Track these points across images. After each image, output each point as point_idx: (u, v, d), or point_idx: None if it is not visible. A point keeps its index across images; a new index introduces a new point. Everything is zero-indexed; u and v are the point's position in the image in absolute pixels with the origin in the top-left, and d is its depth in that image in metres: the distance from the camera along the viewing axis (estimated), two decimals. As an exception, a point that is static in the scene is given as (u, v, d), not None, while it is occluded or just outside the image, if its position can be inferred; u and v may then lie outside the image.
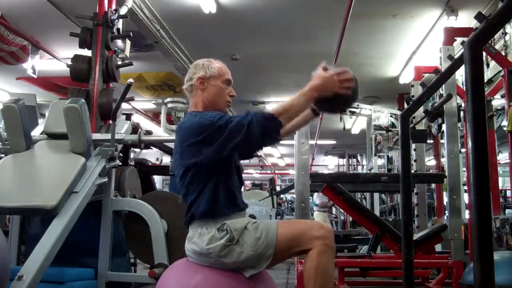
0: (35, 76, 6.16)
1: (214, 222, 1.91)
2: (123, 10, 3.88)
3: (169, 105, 7.75)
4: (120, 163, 3.11)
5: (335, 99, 1.97)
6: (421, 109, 4.24)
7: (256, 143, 1.89)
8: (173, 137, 4.60)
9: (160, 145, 4.01)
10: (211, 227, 1.90)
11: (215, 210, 1.93)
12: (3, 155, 2.76)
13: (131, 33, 3.84)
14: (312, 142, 10.64)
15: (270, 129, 1.87)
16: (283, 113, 1.89)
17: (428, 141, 5.67)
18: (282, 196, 13.80)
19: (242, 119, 1.86)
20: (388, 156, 8.64)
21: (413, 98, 4.12)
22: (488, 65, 4.78)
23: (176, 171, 2.03)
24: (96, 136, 2.97)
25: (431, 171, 6.93)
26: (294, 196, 4.99)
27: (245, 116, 1.87)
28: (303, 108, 1.99)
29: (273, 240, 1.87)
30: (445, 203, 5.03)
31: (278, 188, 13.51)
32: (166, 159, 9.46)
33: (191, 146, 1.93)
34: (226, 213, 1.94)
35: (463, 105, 4.35)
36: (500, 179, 6.47)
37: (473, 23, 4.79)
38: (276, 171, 19.77)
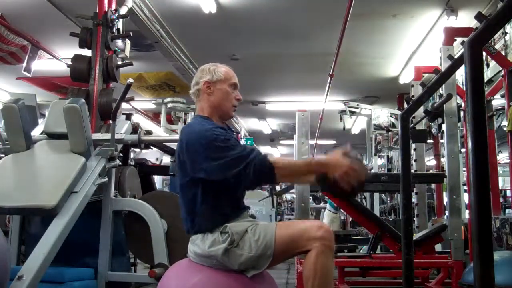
0: (29, 75, 6.15)
1: (217, 226, 1.93)
2: (123, 10, 3.88)
3: (169, 105, 7.76)
4: (120, 163, 3.10)
5: (334, 185, 1.88)
6: (421, 109, 4.24)
7: (249, 183, 1.90)
8: (173, 137, 4.60)
9: (160, 145, 4.00)
10: (214, 231, 1.92)
11: (220, 217, 1.94)
12: (3, 155, 2.76)
13: (131, 33, 3.84)
14: (312, 142, 10.64)
15: (265, 178, 1.90)
16: (283, 170, 1.87)
17: (428, 141, 5.67)
18: (282, 196, 13.79)
19: (245, 154, 1.85)
20: (388, 156, 8.64)
21: (413, 98, 4.12)
22: (488, 65, 4.78)
23: (179, 180, 2.04)
24: (96, 136, 2.97)
25: (431, 171, 6.93)
26: (294, 196, 5.00)
27: (249, 152, 1.86)
28: (303, 175, 1.95)
29: (271, 241, 1.88)
30: (445, 203, 5.02)
31: (278, 188, 13.51)
32: (166, 159, 9.46)
33: (193, 158, 1.93)
34: (230, 216, 1.96)
35: (463, 105, 4.34)
36: (500, 179, 6.47)
37: (473, 23, 4.79)
38: (276, 171, 19.73)
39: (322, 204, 12.52)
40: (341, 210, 7.77)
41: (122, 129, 3.06)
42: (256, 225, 1.95)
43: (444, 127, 3.80)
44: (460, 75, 4.86)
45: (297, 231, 1.89)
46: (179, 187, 2.03)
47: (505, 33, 4.67)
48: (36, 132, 3.02)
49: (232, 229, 1.90)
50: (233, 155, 1.85)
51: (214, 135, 1.90)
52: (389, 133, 7.77)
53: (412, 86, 5.07)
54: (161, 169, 4.86)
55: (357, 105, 8.12)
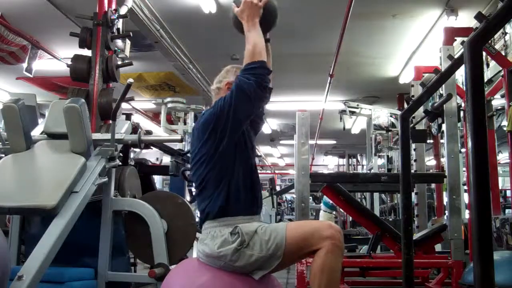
0: (30, 76, 6.16)
1: (227, 225, 1.93)
2: (123, 10, 3.87)
3: (169, 105, 7.76)
4: (120, 163, 3.10)
5: (267, 13, 2.19)
6: (421, 109, 4.24)
7: (255, 91, 1.98)
8: (172, 137, 4.61)
9: (160, 145, 4.00)
10: (224, 230, 1.92)
11: (229, 210, 1.94)
12: (3, 155, 2.75)
13: (131, 33, 3.84)
14: (312, 142, 10.65)
15: (260, 72, 2.01)
16: (256, 54, 2.05)
17: (428, 141, 5.67)
18: (282, 196, 13.82)
19: (232, 89, 2.00)
20: (388, 156, 8.65)
21: (413, 98, 4.12)
22: (488, 65, 4.78)
23: (193, 170, 2.06)
24: (96, 136, 2.97)
25: (431, 171, 6.93)
26: (294, 196, 5.00)
27: (234, 85, 2.00)
28: (262, 39, 2.13)
29: (282, 241, 1.88)
30: (445, 203, 5.03)
31: (278, 188, 13.53)
32: (166, 159, 9.46)
33: (207, 137, 1.99)
34: (241, 214, 1.96)
35: (463, 105, 4.35)
36: (500, 179, 6.47)
37: (473, 23, 4.79)
38: (276, 171, 19.79)
39: (322, 204, 12.54)
40: (341, 210, 7.77)
41: (122, 129, 3.06)
42: (266, 226, 1.95)
43: (444, 127, 3.81)
44: (460, 75, 4.87)
45: (308, 231, 1.90)
46: (197, 173, 2.03)
47: (505, 33, 4.67)
48: (36, 132, 3.02)
49: (242, 230, 1.89)
50: (229, 99, 1.99)
51: (212, 110, 2.04)
52: (389, 133, 7.77)
53: (412, 86, 5.08)
54: (161, 169, 4.86)
55: (357, 105, 8.12)
